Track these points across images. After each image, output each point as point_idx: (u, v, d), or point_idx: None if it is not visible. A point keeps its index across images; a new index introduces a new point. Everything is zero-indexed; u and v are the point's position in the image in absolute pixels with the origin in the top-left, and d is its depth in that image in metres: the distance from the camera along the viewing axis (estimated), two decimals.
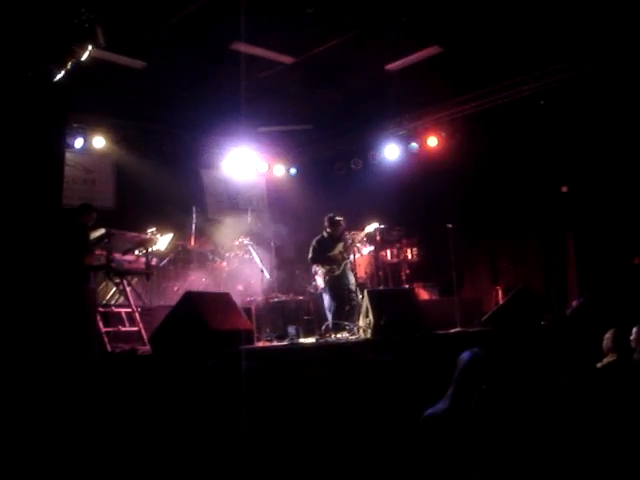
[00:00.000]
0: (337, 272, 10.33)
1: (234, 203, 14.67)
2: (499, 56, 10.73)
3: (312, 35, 9.94)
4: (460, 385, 3.55)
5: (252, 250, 11.44)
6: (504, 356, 4.34)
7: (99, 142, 12.58)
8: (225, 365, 5.75)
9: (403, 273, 12.57)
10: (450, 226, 10.36)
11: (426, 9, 9.26)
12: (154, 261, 9.86)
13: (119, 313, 8.56)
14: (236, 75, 11.02)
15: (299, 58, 10.70)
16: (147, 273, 8.98)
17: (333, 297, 10.35)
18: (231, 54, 10.34)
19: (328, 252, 10.40)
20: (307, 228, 11.48)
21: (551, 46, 10.48)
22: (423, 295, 12.45)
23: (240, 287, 11.41)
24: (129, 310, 8.59)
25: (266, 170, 15.32)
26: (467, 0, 9.10)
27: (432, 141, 13.24)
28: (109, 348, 7.76)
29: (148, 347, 7.71)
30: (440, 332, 9.28)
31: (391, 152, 13.78)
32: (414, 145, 13.45)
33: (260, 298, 10.88)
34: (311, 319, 11.09)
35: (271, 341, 9.51)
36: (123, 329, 8.37)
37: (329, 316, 10.29)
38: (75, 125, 12.12)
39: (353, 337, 9.17)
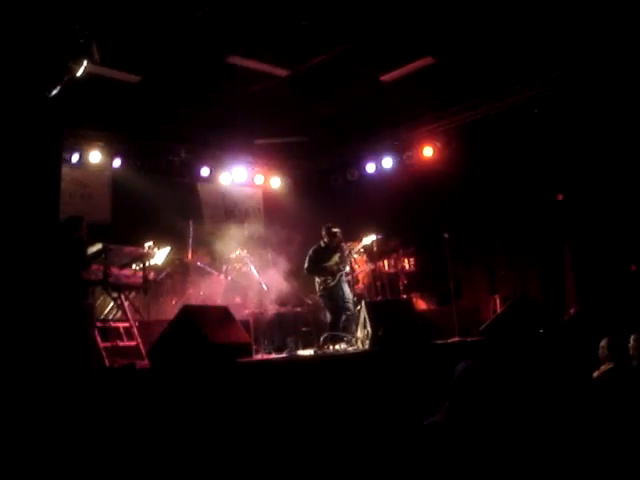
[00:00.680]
0: (332, 283, 10.31)
1: (231, 215, 14.68)
2: (492, 66, 10.78)
3: (306, 48, 9.99)
4: (456, 396, 3.55)
5: (249, 262, 11.43)
6: (502, 365, 4.35)
7: (95, 157, 12.58)
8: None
9: (401, 283, 12.58)
10: (446, 236, 10.39)
11: (418, 21, 9.33)
12: (152, 275, 9.85)
13: (117, 328, 8.55)
14: (231, 88, 11.09)
15: (294, 71, 10.75)
16: (145, 287, 8.96)
17: (328, 308, 10.35)
18: (226, 67, 10.39)
19: (324, 262, 10.38)
20: (304, 239, 11.48)
21: (544, 55, 10.52)
22: (421, 305, 12.47)
23: (238, 299, 11.40)
24: (127, 325, 8.57)
25: (262, 182, 15.34)
26: (459, 11, 9.15)
27: (427, 151, 13.28)
28: (107, 363, 7.75)
29: (147, 361, 7.71)
30: (439, 342, 9.30)
31: (386, 162, 13.81)
32: (410, 155, 13.48)
33: (258, 310, 10.87)
34: (309, 330, 11.07)
35: (270, 353, 9.52)
36: (121, 344, 8.36)
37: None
38: (71, 140, 12.12)
39: (351, 348, 9.18)
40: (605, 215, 11.01)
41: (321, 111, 12.38)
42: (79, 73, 8.01)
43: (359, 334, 9.15)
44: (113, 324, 8.62)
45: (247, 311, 10.82)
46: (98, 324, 8.25)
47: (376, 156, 13.97)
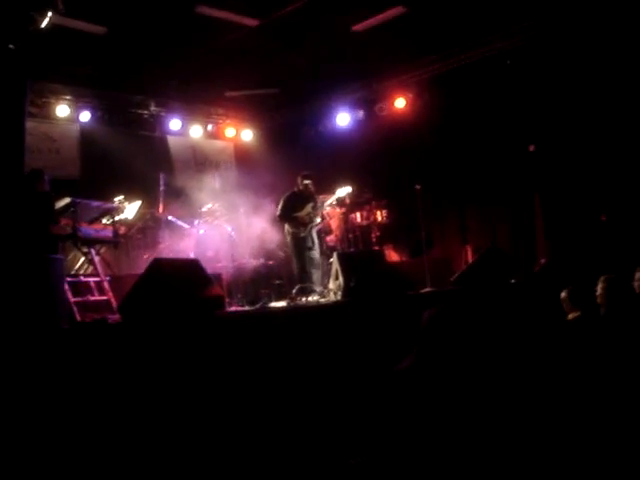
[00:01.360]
0: (302, 234, 10.28)
1: (202, 169, 14.57)
2: (464, 16, 10.69)
3: None
4: (423, 342, 3.59)
5: (221, 216, 11.39)
6: (470, 312, 4.38)
7: (63, 110, 12.40)
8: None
9: (373, 235, 12.60)
10: (418, 187, 10.40)
11: None
12: (122, 230, 9.78)
13: (88, 283, 8.52)
14: (201, 39, 10.91)
15: (264, 21, 10.59)
16: (115, 242, 8.92)
17: (296, 258, 10.33)
18: (195, 18, 10.21)
19: (296, 211, 10.32)
20: (275, 192, 11.42)
21: (517, 4, 10.46)
22: (393, 256, 12.54)
23: (210, 253, 11.36)
24: (98, 279, 8.55)
25: (234, 135, 15.22)
26: None
27: (399, 102, 13.22)
28: (79, 318, 7.73)
29: (118, 316, 7.69)
30: (410, 293, 9.36)
31: (358, 114, 13.74)
32: (381, 106, 13.42)
33: (230, 264, 10.86)
34: (282, 283, 11.12)
35: (242, 306, 9.55)
36: (92, 298, 8.34)
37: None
38: (38, 94, 11.92)
39: (323, 300, 9.23)
40: (576, 166, 11.05)
41: (292, 62, 12.22)
42: (43, 24, 7.85)
43: (331, 285, 9.18)
44: (84, 279, 8.59)
45: (219, 264, 10.81)
46: (69, 279, 8.21)
47: (348, 108, 13.89)
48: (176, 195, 12.62)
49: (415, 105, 13.12)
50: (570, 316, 6.30)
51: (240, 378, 6.46)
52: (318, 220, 10.56)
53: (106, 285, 8.54)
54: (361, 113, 13.73)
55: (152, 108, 13.60)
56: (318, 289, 9.82)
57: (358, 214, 12.58)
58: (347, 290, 8.67)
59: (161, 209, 11.66)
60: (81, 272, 9.04)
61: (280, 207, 10.44)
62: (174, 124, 13.97)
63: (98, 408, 5.49)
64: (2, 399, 5.02)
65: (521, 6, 10.51)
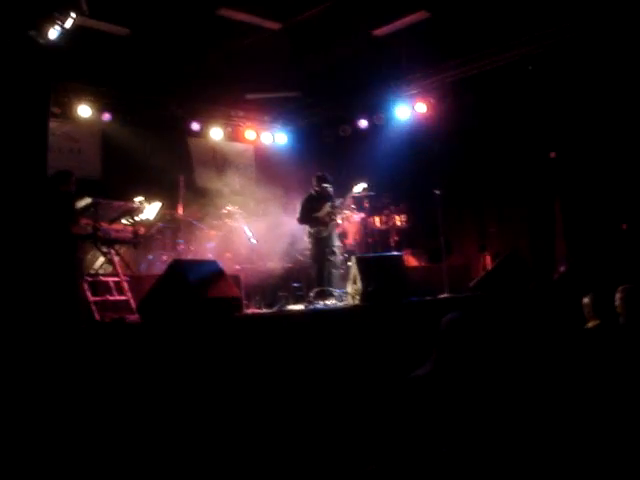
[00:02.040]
0: (324, 234, 10.25)
1: (222, 171, 14.61)
2: (486, 21, 10.66)
3: (298, 0, 9.86)
4: (441, 348, 3.57)
5: (240, 218, 11.42)
6: (490, 319, 4.37)
7: (85, 111, 12.48)
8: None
9: (392, 240, 12.57)
10: (438, 192, 10.37)
11: None
12: (142, 230, 9.82)
13: (107, 282, 8.55)
14: (223, 41, 10.96)
15: (285, 24, 10.62)
16: (135, 242, 8.95)
17: (317, 259, 10.29)
18: (217, 20, 10.26)
19: (316, 212, 10.29)
20: (296, 195, 11.42)
21: (539, 10, 10.41)
22: (412, 262, 12.50)
23: (229, 255, 11.41)
24: (117, 279, 8.58)
25: (254, 137, 15.24)
26: None
27: (420, 107, 13.20)
28: (97, 317, 7.77)
29: (137, 316, 7.72)
30: (428, 298, 9.33)
31: (379, 118, 13.73)
32: (402, 111, 13.41)
33: (249, 266, 10.88)
34: (300, 286, 11.11)
35: (260, 308, 9.55)
36: (111, 298, 8.37)
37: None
38: (61, 94, 12.01)
39: (341, 303, 9.21)
40: (597, 174, 10.98)
41: (313, 66, 12.28)
42: (67, 25, 7.91)
43: (349, 289, 9.15)
44: (103, 278, 8.62)
45: (238, 266, 10.84)
46: (88, 278, 8.26)
47: (369, 112, 13.89)
48: (196, 196, 12.67)
49: (436, 110, 13.09)
50: (590, 324, 6.26)
51: (256, 380, 6.47)
52: (339, 220, 10.55)
53: (125, 285, 8.57)
54: (381, 117, 13.71)
55: (173, 109, 13.65)
56: (336, 292, 9.81)
57: (377, 218, 12.57)
58: (365, 294, 8.65)
59: (181, 210, 11.71)
60: (100, 272, 9.08)
61: (300, 210, 10.42)
62: (195, 125, 14.03)
63: (117, 407, 5.52)
64: (22, 397, 5.06)
65: (543, 12, 10.45)
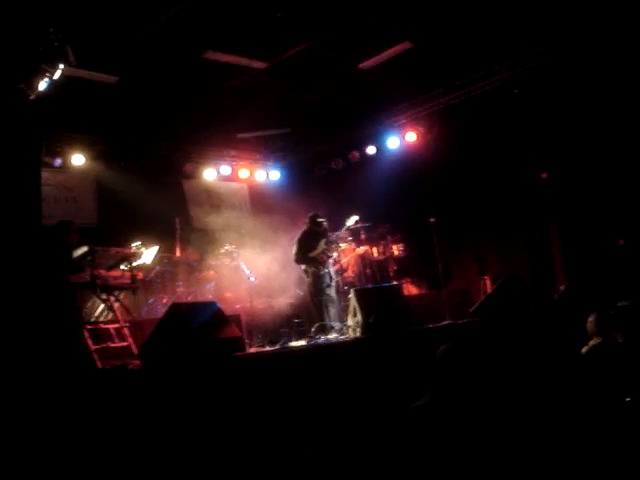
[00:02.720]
0: (322, 272, 10.27)
1: (218, 211, 14.64)
2: (469, 48, 10.77)
3: (282, 39, 9.97)
4: (437, 379, 3.58)
5: (238, 257, 11.44)
6: (486, 344, 4.37)
7: (78, 159, 12.52)
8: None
9: (391, 270, 12.60)
10: (433, 220, 10.42)
11: (393, 6, 9.31)
12: (141, 275, 9.84)
13: (108, 329, 8.56)
14: (210, 84, 11.07)
15: (271, 63, 10.73)
16: (133, 287, 8.97)
17: (315, 295, 10.27)
18: (203, 63, 10.37)
19: (312, 251, 10.31)
20: (292, 231, 11.45)
21: (522, 33, 10.52)
22: (412, 290, 12.51)
23: (228, 294, 11.42)
24: (118, 326, 8.58)
25: (248, 176, 15.31)
26: None
27: (410, 136, 13.28)
28: (100, 365, 7.76)
29: (138, 361, 7.71)
30: (430, 326, 9.33)
31: (370, 150, 13.81)
32: (393, 141, 13.50)
33: (249, 304, 10.89)
34: (301, 322, 11.10)
35: (263, 346, 9.53)
36: (113, 345, 8.36)
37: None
38: (53, 144, 12.07)
39: (343, 337, 9.20)
40: (590, 191, 11.02)
41: (302, 102, 12.38)
42: (55, 76, 7.99)
43: (350, 322, 9.16)
44: (104, 326, 8.63)
45: (238, 306, 10.84)
46: (88, 326, 8.26)
47: (360, 144, 13.96)
48: (193, 238, 12.71)
49: (426, 138, 13.17)
50: (592, 342, 6.26)
51: (262, 418, 6.45)
52: (334, 254, 10.59)
53: (126, 331, 8.57)
54: (373, 149, 13.79)
55: (165, 153, 13.72)
56: (337, 326, 9.81)
57: (374, 249, 12.59)
58: (366, 326, 8.65)
59: (178, 253, 11.75)
60: (101, 319, 9.09)
61: (295, 250, 10.43)
62: (188, 168, 14.09)
63: (123, 453, 5.50)
64: (27, 444, 5.05)
65: (526, 34, 10.55)
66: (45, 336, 6.72)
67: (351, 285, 11.11)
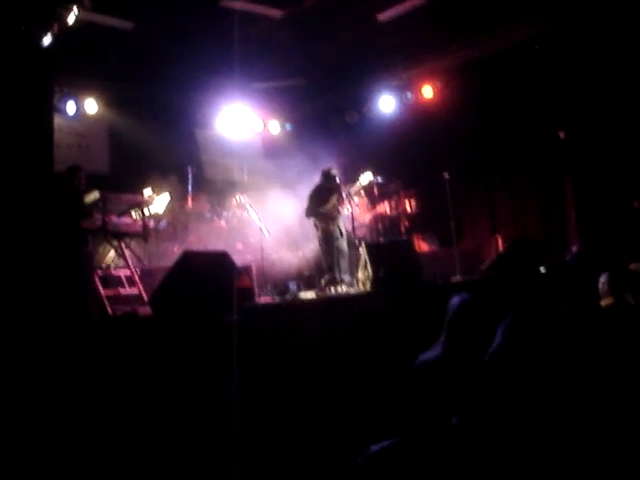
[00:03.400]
0: (332, 227, 10.25)
1: (230, 161, 14.57)
2: (490, 1, 10.57)
3: None
4: (452, 331, 3.55)
5: (250, 208, 11.41)
6: (501, 301, 4.34)
7: (91, 106, 12.45)
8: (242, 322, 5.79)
9: (402, 225, 12.55)
10: (447, 176, 10.34)
11: None
12: (152, 223, 9.84)
13: (118, 276, 8.60)
14: (227, 31, 10.91)
15: (288, 11, 10.58)
16: (145, 235, 8.96)
17: (325, 249, 10.28)
18: (220, 10, 10.23)
19: (323, 205, 10.28)
20: (304, 184, 11.41)
21: None
22: (423, 247, 12.47)
23: (240, 246, 11.42)
24: (128, 272, 8.61)
25: (262, 128, 15.19)
26: None
27: (427, 91, 13.12)
28: (110, 311, 7.80)
29: (149, 308, 7.74)
30: (440, 282, 9.32)
31: (386, 104, 13.67)
32: (409, 95, 13.34)
33: (259, 255, 10.89)
34: (311, 274, 11.12)
35: (272, 298, 9.56)
36: (123, 291, 8.41)
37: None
38: (66, 90, 11.99)
39: (352, 290, 9.21)
40: (607, 152, 10.91)
41: (318, 53, 12.22)
42: (70, 20, 7.91)
43: (360, 276, 9.16)
44: (114, 272, 8.67)
45: (249, 256, 10.84)
46: (99, 272, 8.30)
47: (375, 97, 13.82)
48: (205, 188, 12.67)
49: (443, 93, 13.01)
50: (603, 302, 6.22)
51: (271, 370, 6.47)
52: (345, 211, 10.55)
53: (137, 278, 8.60)
54: (389, 102, 13.65)
55: (179, 101, 13.60)
56: (347, 279, 9.81)
57: (387, 204, 12.53)
58: (376, 280, 8.65)
59: (190, 202, 11.72)
60: (112, 265, 9.11)
61: (307, 204, 10.41)
62: (201, 116, 13.98)
63: (130, 401, 5.54)
64: (36, 391, 5.08)
65: None
66: (57, 280, 6.73)
67: (362, 239, 11.09)
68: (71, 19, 7.91)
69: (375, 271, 8.71)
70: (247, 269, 9.23)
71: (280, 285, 10.39)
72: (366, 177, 10.97)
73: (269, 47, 11.63)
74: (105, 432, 5.18)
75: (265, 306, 8.13)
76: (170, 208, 10.79)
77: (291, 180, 12.38)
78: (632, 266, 6.03)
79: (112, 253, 9.05)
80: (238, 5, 10.16)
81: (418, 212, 12.75)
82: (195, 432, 5.50)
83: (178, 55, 11.60)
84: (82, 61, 11.04)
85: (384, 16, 10.95)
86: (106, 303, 7.88)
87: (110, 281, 8.44)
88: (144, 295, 8.37)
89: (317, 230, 10.40)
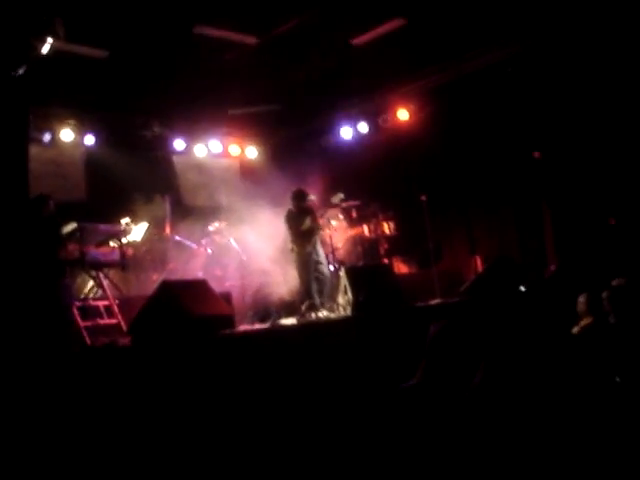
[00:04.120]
0: (308, 249, 10.17)
1: (208, 188, 14.54)
2: (464, 25, 10.66)
3: (274, 14, 9.86)
4: (430, 357, 3.56)
5: (228, 234, 11.40)
6: (478, 324, 4.35)
7: (67, 135, 12.39)
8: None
9: (381, 248, 12.58)
10: (424, 198, 10.39)
11: None
12: (130, 251, 9.80)
13: (97, 306, 8.54)
14: (202, 59, 10.95)
15: (262, 38, 10.62)
16: (123, 264, 8.93)
17: (304, 274, 10.15)
18: (194, 38, 10.25)
19: (298, 228, 10.23)
20: (283, 208, 11.40)
21: (517, 12, 10.43)
22: (402, 269, 12.51)
23: (219, 272, 11.39)
24: (107, 303, 8.56)
25: (239, 152, 15.21)
26: None
27: (402, 114, 13.19)
28: (89, 342, 7.74)
29: (128, 338, 7.69)
30: (420, 304, 9.33)
31: (362, 127, 13.73)
32: (385, 118, 13.41)
33: (239, 282, 10.86)
34: (293, 300, 11.07)
35: (253, 324, 9.53)
36: (102, 322, 8.35)
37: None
38: (41, 119, 11.94)
39: (333, 315, 9.20)
40: (582, 171, 11.00)
41: (293, 78, 12.26)
42: (44, 51, 7.90)
43: (340, 300, 9.16)
44: (93, 302, 8.61)
45: (228, 283, 10.81)
46: (78, 303, 8.24)
47: (351, 121, 13.88)
48: (183, 215, 12.65)
49: (418, 116, 13.08)
50: (583, 322, 6.27)
51: (251, 395, 6.44)
52: (320, 232, 10.50)
53: (115, 308, 8.55)
54: (364, 126, 13.71)
55: (156, 129, 13.56)
56: (327, 304, 9.80)
57: (365, 227, 12.55)
58: (356, 305, 8.65)
59: (168, 230, 11.69)
60: (90, 296, 9.05)
61: (288, 230, 10.31)
62: (178, 144, 13.96)
63: (110, 430, 5.49)
64: (16, 423, 5.03)
65: (519, 13, 10.46)
66: (35, 312, 6.68)
67: (341, 263, 11.09)
68: (45, 49, 7.89)
69: (355, 295, 8.71)
70: (227, 296, 9.20)
71: (261, 311, 10.35)
72: (337, 197, 11.03)
73: (244, 73, 11.64)
74: (87, 461, 5.13)
75: (244, 334, 8.08)
76: (148, 236, 10.76)
77: (270, 204, 12.38)
78: (614, 282, 6.07)
79: (91, 283, 8.99)
80: (212, 32, 10.18)
81: (397, 234, 12.78)
82: (175, 458, 5.47)
83: (154, 82, 11.60)
84: (57, 90, 11.00)
85: (358, 41, 11.01)
86: (85, 334, 7.81)
87: (89, 312, 8.37)
88: (123, 325, 8.32)
89: (293, 254, 10.32)
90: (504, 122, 11.77)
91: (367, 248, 12.48)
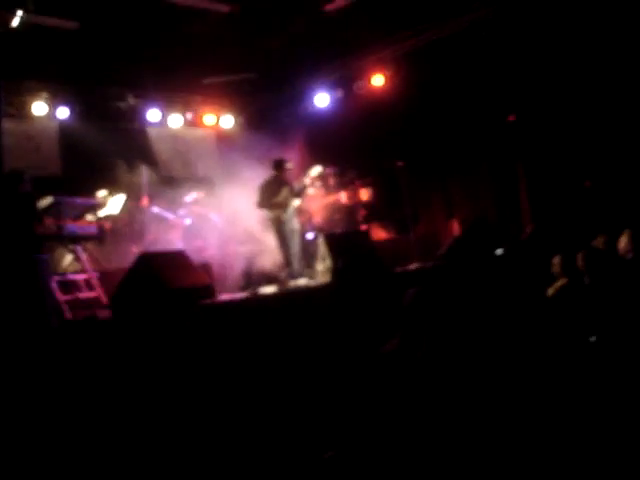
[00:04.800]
0: (283, 217, 10.21)
1: (184, 158, 14.49)
2: None
3: None
4: (406, 323, 3.62)
5: (206, 204, 11.39)
6: (454, 288, 4.42)
7: (40, 108, 12.26)
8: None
9: (359, 215, 12.59)
10: (400, 164, 10.41)
11: None
12: (108, 224, 9.78)
13: (76, 280, 8.54)
14: (174, 28, 10.85)
15: (235, 6, 10.53)
16: (100, 237, 8.93)
17: (281, 242, 10.23)
18: (166, 6, 10.14)
19: (274, 196, 10.26)
20: (259, 177, 11.40)
21: None
22: (380, 235, 12.54)
23: (198, 242, 11.39)
24: (86, 276, 8.56)
25: (214, 122, 15.12)
26: None
27: (377, 80, 13.15)
28: (69, 316, 7.75)
29: (108, 311, 7.71)
30: (398, 269, 9.41)
31: (338, 94, 13.69)
32: (360, 84, 13.37)
33: (219, 252, 10.88)
34: (272, 269, 11.11)
35: (233, 294, 9.57)
36: (82, 296, 8.36)
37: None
38: (14, 93, 11.81)
39: (312, 282, 9.26)
40: (557, 133, 11.06)
41: (268, 46, 12.18)
42: (14, 23, 7.81)
43: (319, 267, 9.21)
44: (72, 276, 8.60)
45: (208, 253, 10.83)
46: (57, 277, 8.22)
47: (327, 88, 13.83)
48: (160, 186, 12.60)
49: (393, 81, 13.04)
50: (558, 283, 6.35)
51: (232, 364, 6.50)
52: (297, 202, 10.53)
53: (95, 281, 8.56)
54: (340, 93, 13.67)
55: (130, 100, 13.44)
56: (306, 272, 9.86)
57: (343, 194, 12.56)
58: (335, 272, 8.71)
59: (146, 201, 11.65)
60: (70, 270, 9.04)
61: (258, 195, 10.37)
62: (153, 115, 13.82)
63: (91, 403, 5.53)
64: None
65: None
66: (13, 288, 6.67)
67: (320, 230, 11.13)
68: (15, 22, 7.80)
69: (334, 262, 8.77)
70: (206, 266, 9.23)
71: (240, 281, 10.39)
72: (315, 170, 11.03)
73: (218, 42, 11.55)
74: (64, 435, 5.17)
75: (224, 304, 8.13)
76: (126, 208, 10.73)
77: (246, 174, 12.36)
78: (594, 242, 6.16)
79: (69, 257, 8.98)
80: (183, 1, 10.08)
81: (374, 201, 12.80)
82: (156, 431, 5.52)
83: (127, 53, 11.49)
84: (29, 64, 10.88)
85: (331, 7, 10.95)
86: (64, 308, 7.82)
87: (68, 286, 8.37)
88: (103, 298, 8.34)
89: (270, 223, 10.35)
90: (479, 86, 11.77)
91: (345, 215, 12.48)
